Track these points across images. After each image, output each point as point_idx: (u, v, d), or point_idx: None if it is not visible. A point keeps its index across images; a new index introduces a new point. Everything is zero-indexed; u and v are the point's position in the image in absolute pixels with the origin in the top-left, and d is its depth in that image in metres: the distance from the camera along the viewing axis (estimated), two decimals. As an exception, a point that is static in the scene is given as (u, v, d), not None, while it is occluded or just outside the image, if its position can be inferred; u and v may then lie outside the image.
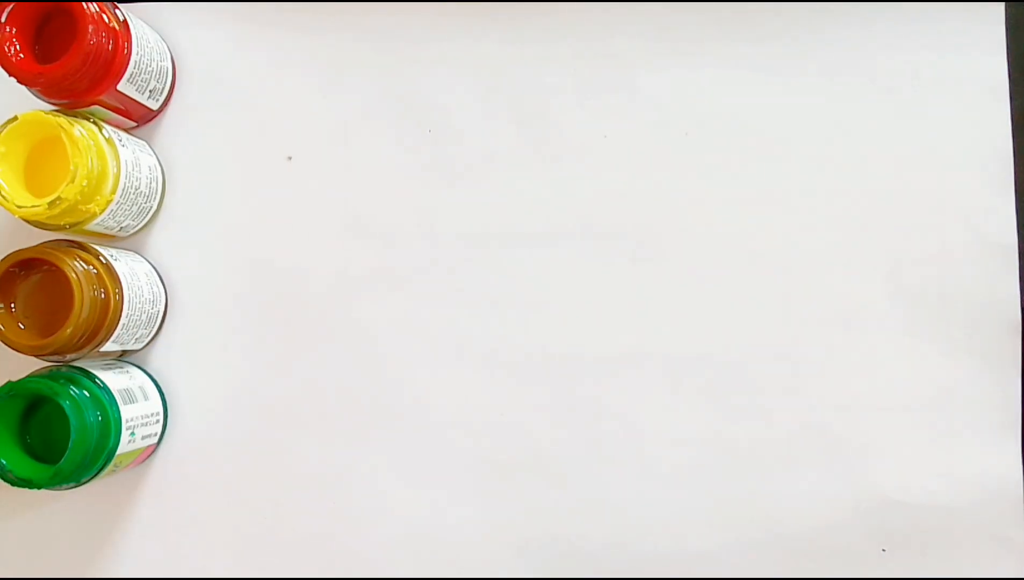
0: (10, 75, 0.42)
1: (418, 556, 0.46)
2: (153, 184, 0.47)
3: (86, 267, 0.42)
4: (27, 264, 0.42)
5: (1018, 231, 0.45)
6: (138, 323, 0.45)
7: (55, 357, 0.44)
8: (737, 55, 0.47)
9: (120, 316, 0.44)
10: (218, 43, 0.49)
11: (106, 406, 0.42)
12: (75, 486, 0.42)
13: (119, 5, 0.45)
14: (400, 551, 0.47)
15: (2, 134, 0.41)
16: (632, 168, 0.47)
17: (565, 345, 0.46)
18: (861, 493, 0.45)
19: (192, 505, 0.47)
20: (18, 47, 0.42)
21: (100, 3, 0.43)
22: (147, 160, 0.47)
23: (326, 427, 0.47)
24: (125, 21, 0.44)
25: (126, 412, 0.43)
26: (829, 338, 0.46)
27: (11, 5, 0.42)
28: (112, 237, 0.47)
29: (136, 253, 0.48)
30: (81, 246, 0.44)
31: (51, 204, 0.41)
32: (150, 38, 0.46)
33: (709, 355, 0.46)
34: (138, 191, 0.46)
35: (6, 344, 0.42)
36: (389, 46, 0.48)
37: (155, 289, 0.47)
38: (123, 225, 0.46)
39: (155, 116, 0.49)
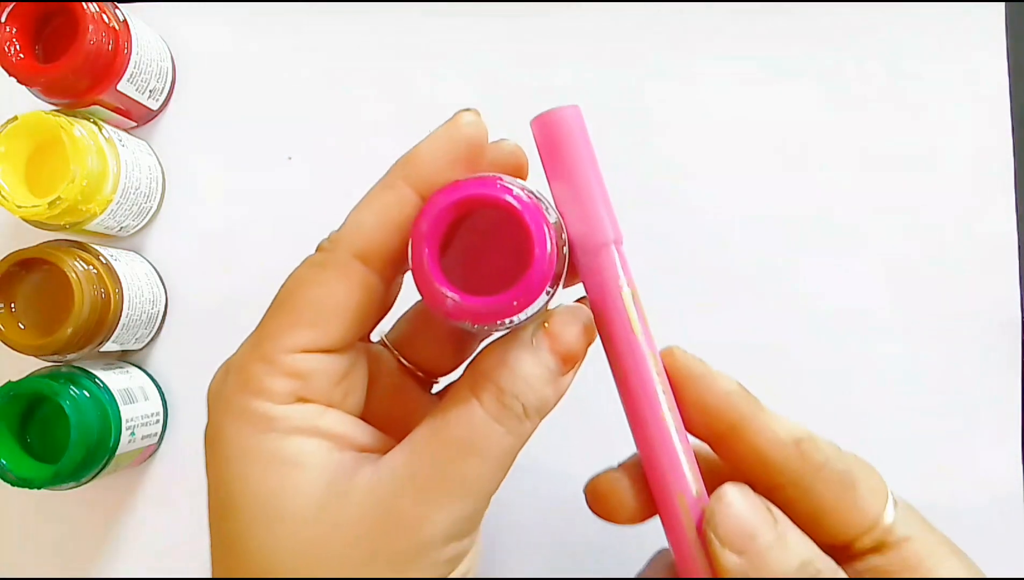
0: (10, 75, 0.42)
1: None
2: (153, 184, 0.47)
3: (86, 267, 0.42)
4: (27, 264, 0.42)
5: (1018, 231, 0.45)
6: (138, 323, 0.45)
7: (55, 357, 0.43)
8: (736, 55, 0.47)
9: (120, 316, 0.44)
10: (218, 43, 0.49)
11: (106, 406, 0.42)
12: (75, 486, 0.42)
13: (119, 5, 0.45)
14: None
15: (2, 134, 0.41)
16: (632, 168, 0.47)
17: (565, 345, 0.46)
18: (861, 493, 0.45)
19: (192, 505, 0.47)
20: (18, 47, 0.42)
21: (100, 3, 0.43)
22: (147, 160, 0.47)
23: (326, 427, 0.47)
24: (125, 21, 0.44)
25: (126, 412, 0.43)
26: (829, 339, 0.45)
27: (11, 5, 0.42)
28: (112, 237, 0.47)
29: (136, 253, 0.48)
30: (81, 246, 0.44)
31: (51, 204, 0.41)
32: (150, 38, 0.46)
33: (708, 356, 0.46)
34: (138, 191, 0.46)
35: (6, 344, 0.42)
36: (390, 46, 0.48)
37: (155, 289, 0.47)
38: (123, 225, 0.46)
39: (155, 116, 0.49)
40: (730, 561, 0.28)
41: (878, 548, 0.30)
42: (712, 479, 0.31)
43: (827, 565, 0.29)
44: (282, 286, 0.30)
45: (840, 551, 0.30)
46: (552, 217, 0.28)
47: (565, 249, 0.29)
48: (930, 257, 0.45)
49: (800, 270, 0.46)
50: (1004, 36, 0.46)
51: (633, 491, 0.32)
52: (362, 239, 0.28)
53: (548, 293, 0.27)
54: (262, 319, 0.30)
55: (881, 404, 0.45)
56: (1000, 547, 0.44)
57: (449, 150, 0.29)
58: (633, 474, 0.32)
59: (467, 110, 0.30)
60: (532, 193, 0.28)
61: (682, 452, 0.30)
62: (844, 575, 0.29)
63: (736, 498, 0.29)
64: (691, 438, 0.32)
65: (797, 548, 0.29)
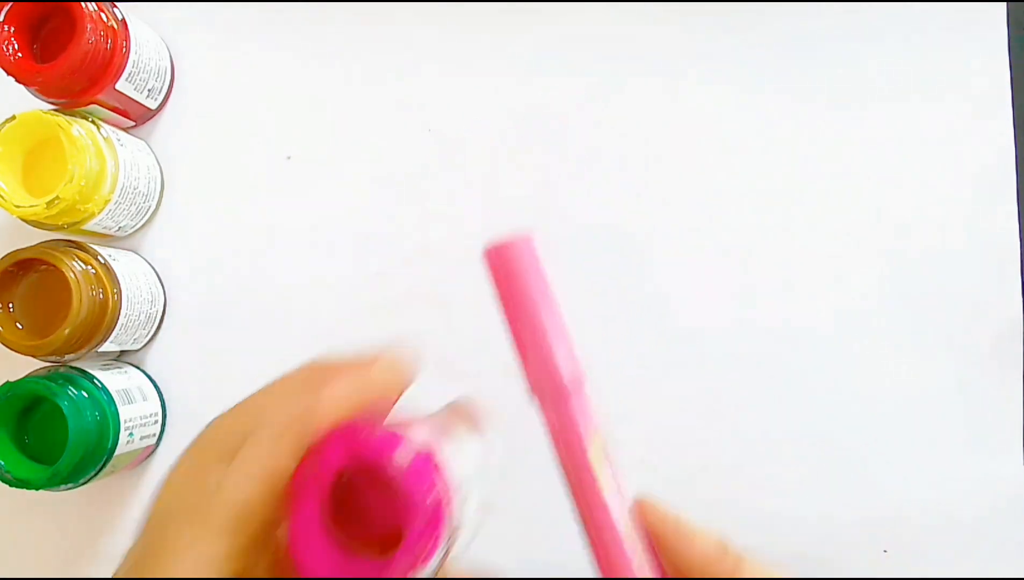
0: (8, 74, 0.42)
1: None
2: (151, 184, 0.47)
3: (84, 267, 0.42)
4: (25, 264, 0.42)
5: (1020, 231, 0.45)
6: (136, 323, 0.45)
7: (53, 357, 0.43)
8: (738, 56, 0.47)
9: (118, 316, 0.44)
10: (217, 43, 0.49)
11: (104, 406, 0.42)
12: (73, 487, 0.42)
13: (117, 4, 0.45)
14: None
15: (0, 133, 0.41)
16: (632, 170, 0.47)
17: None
18: (862, 494, 0.45)
19: (191, 506, 0.47)
20: (16, 46, 0.42)
21: (98, 2, 0.43)
22: (145, 160, 0.47)
23: (325, 428, 0.47)
24: (123, 20, 0.44)
25: (124, 412, 0.43)
26: (829, 339, 0.45)
27: (9, 4, 0.42)
28: (110, 237, 0.47)
29: (134, 253, 0.48)
30: (79, 246, 0.44)
31: (49, 204, 0.41)
32: (148, 37, 0.46)
33: (709, 357, 0.46)
34: (136, 191, 0.45)
35: (4, 344, 0.42)
36: (389, 46, 0.48)
37: (153, 289, 0.47)
38: (121, 225, 0.46)
39: (153, 115, 0.49)
40: None
41: None
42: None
43: None
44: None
45: None
46: (452, 472, 0.25)
47: (456, 523, 0.25)
48: (930, 257, 0.45)
49: (800, 270, 0.46)
50: (1005, 36, 0.46)
51: None
52: (241, 506, 0.25)
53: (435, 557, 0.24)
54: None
55: (882, 405, 0.45)
56: (1001, 547, 0.44)
57: (355, 407, 0.26)
58: None
59: (393, 348, 0.27)
60: (428, 450, 0.24)
61: None
62: None
63: None
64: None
65: None
